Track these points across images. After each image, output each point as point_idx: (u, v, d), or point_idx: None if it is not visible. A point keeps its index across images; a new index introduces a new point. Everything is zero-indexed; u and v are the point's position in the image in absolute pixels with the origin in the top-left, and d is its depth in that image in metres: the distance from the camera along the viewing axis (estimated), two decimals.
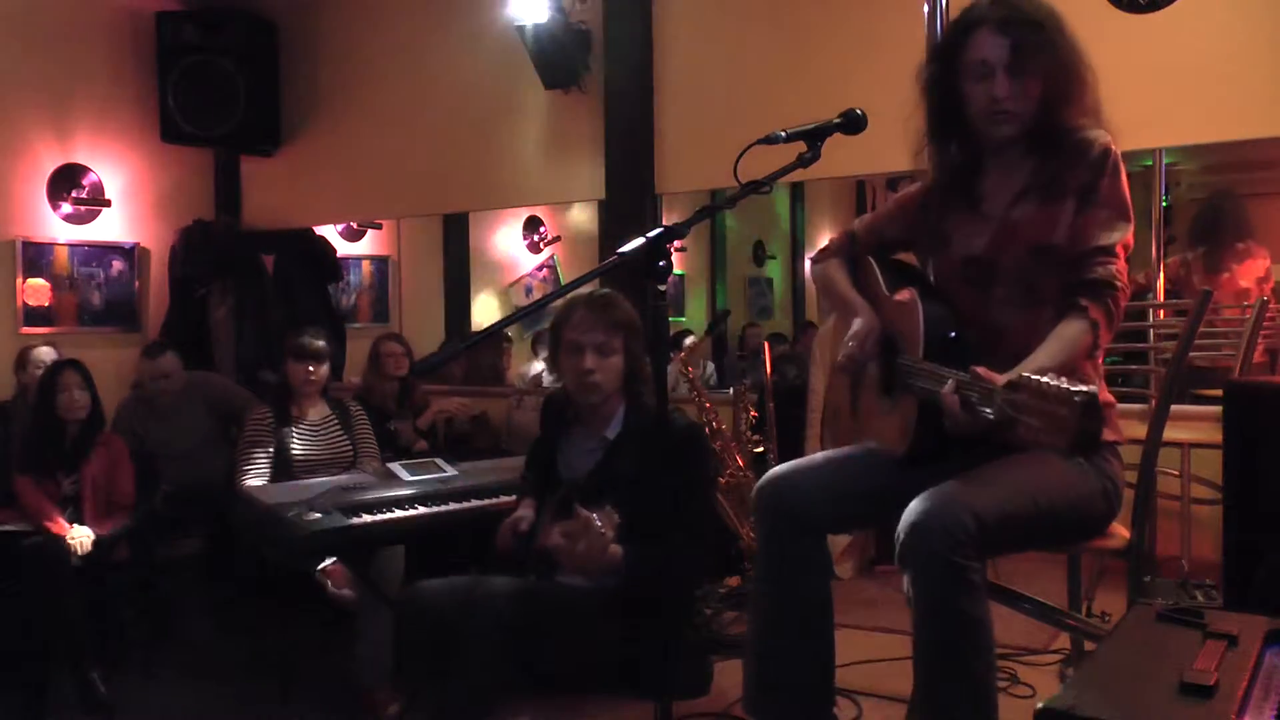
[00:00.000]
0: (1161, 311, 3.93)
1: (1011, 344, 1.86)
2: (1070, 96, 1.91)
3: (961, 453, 1.87)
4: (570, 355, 2.41)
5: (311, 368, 3.56)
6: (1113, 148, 1.90)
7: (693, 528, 2.33)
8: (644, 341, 2.46)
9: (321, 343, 3.65)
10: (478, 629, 2.15)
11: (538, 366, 5.75)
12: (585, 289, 2.29)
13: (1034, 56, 1.87)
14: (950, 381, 1.70)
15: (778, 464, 3.90)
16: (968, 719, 1.76)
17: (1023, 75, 1.88)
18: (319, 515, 2.80)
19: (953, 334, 1.90)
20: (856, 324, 2.07)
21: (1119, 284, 1.85)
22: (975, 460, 1.86)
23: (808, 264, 9.00)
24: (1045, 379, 1.45)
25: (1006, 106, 1.91)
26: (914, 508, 1.75)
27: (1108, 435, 1.96)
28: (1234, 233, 4.34)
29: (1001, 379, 1.57)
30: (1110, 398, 2.01)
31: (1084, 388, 1.40)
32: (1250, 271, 4.27)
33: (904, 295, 2.01)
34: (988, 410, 1.58)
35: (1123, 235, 1.88)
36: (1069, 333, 1.81)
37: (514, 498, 2.67)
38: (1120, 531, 2.07)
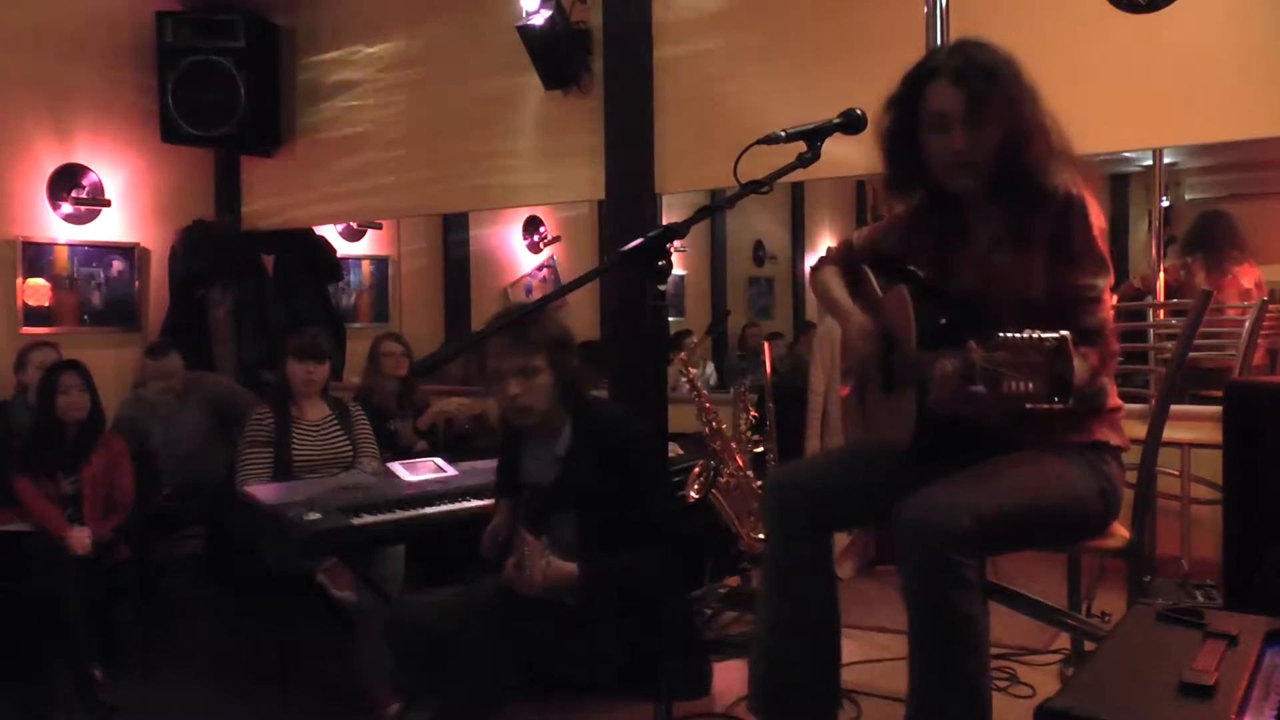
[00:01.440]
0: (1161, 311, 3.93)
1: None
2: (1029, 144, 1.88)
3: (962, 450, 1.87)
4: (494, 384, 2.37)
5: (311, 368, 3.56)
6: (1074, 192, 1.88)
7: (660, 529, 2.32)
8: (573, 350, 2.43)
9: (322, 343, 3.65)
10: (473, 637, 2.16)
11: None
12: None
13: (989, 107, 1.87)
14: (946, 360, 1.70)
15: (777, 464, 3.93)
16: (959, 716, 1.76)
17: (978, 127, 1.88)
18: (319, 515, 2.80)
19: (943, 320, 1.91)
20: (852, 329, 2.10)
21: (1106, 330, 1.88)
22: (974, 459, 1.87)
23: (808, 264, 8.99)
24: (1018, 334, 1.52)
25: (964, 159, 1.90)
26: (910, 505, 1.76)
27: (1111, 439, 1.96)
28: (1229, 241, 4.32)
29: None
30: (1119, 402, 2.02)
31: (1054, 334, 1.49)
32: (1249, 274, 4.26)
33: (894, 292, 2.03)
34: (976, 378, 1.60)
35: (1105, 282, 1.89)
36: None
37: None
38: (1120, 531, 2.08)
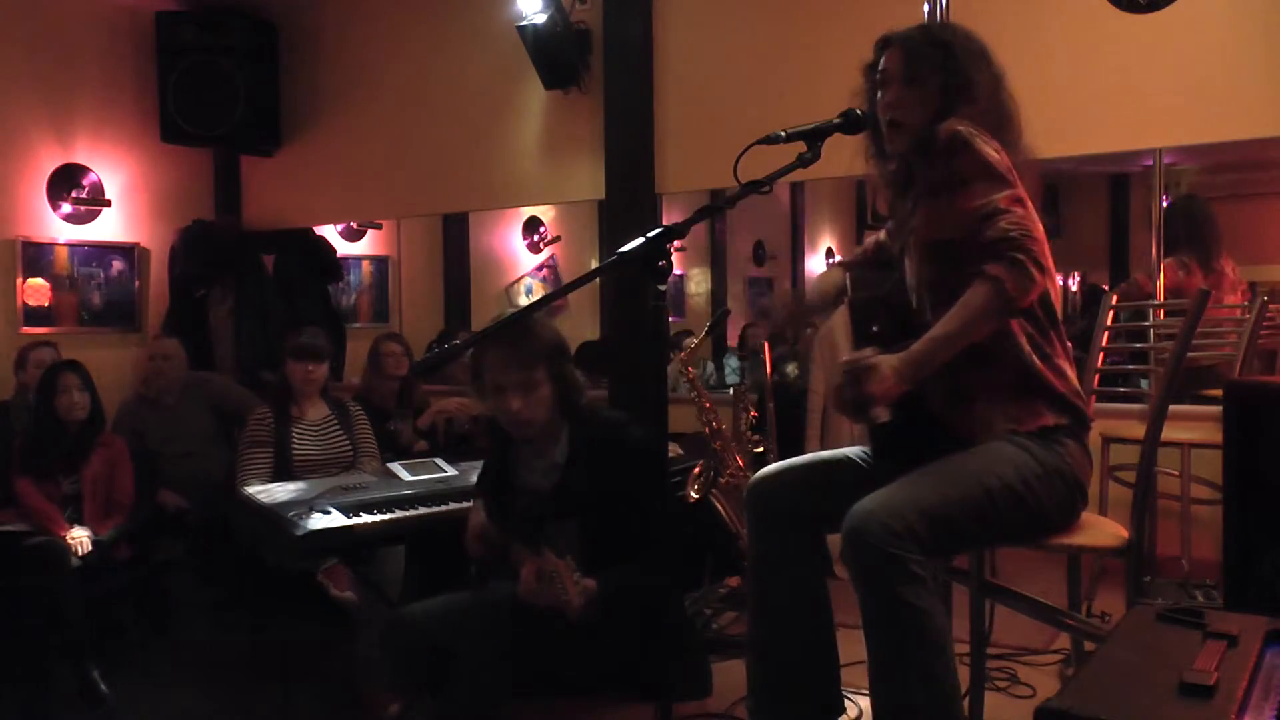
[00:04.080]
0: (1161, 311, 3.93)
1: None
2: (957, 112, 1.90)
3: (924, 449, 1.89)
4: (495, 397, 2.33)
5: (311, 367, 3.57)
6: (958, 129, 1.85)
7: (660, 533, 2.30)
8: (569, 357, 2.41)
9: (321, 342, 3.65)
10: (475, 641, 2.15)
11: None
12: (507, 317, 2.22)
13: (924, 69, 1.93)
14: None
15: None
16: (923, 709, 1.75)
17: (913, 85, 1.94)
18: (319, 515, 2.80)
19: (875, 328, 1.98)
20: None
21: (1014, 234, 1.77)
22: (933, 457, 1.88)
23: (807, 264, 9.02)
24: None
25: (895, 116, 1.96)
26: (855, 508, 1.77)
27: (1063, 420, 1.92)
28: (1215, 236, 4.20)
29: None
30: (1059, 374, 1.95)
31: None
32: (1230, 265, 4.23)
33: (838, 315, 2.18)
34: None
35: (998, 193, 1.82)
36: (966, 297, 1.77)
37: None
38: (1119, 531, 2.08)
